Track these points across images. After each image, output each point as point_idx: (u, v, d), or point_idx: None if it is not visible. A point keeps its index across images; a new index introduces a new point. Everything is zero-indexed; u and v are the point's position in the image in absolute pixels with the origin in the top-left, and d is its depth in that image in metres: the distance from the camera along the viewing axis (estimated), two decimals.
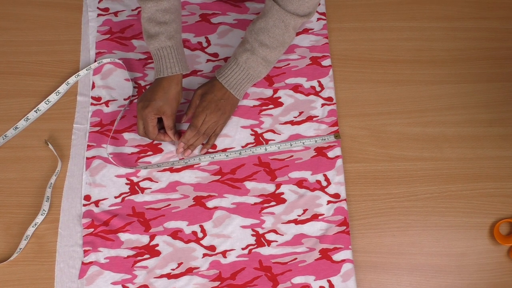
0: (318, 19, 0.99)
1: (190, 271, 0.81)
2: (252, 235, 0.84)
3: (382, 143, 0.91)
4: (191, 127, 0.85)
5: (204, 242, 0.83)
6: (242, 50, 0.86)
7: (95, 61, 0.95)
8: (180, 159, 0.88)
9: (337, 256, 0.82)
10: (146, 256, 0.82)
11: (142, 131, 0.85)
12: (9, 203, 0.85)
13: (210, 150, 0.89)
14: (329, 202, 0.86)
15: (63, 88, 0.92)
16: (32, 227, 0.83)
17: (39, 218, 0.83)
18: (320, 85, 0.94)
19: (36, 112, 0.90)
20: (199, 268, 0.82)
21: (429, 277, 0.83)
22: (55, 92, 0.92)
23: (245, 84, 0.87)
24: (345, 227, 0.84)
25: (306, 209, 0.85)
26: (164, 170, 0.87)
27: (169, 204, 0.86)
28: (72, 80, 0.92)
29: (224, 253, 0.83)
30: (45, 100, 0.91)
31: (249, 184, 0.87)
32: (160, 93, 0.83)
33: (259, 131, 0.91)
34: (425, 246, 0.84)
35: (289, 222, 0.85)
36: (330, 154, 0.89)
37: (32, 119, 0.90)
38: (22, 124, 0.90)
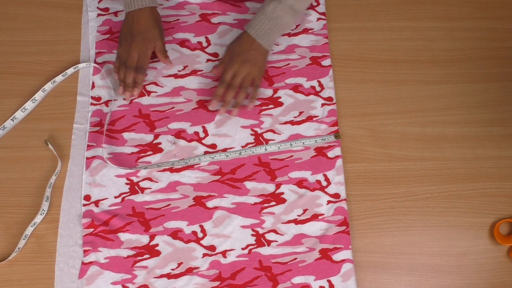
0: (318, 19, 0.99)
1: (190, 271, 0.81)
2: (252, 235, 0.84)
3: (382, 143, 0.91)
4: (220, 82, 0.87)
5: (204, 242, 0.83)
6: (269, 1, 0.87)
7: (95, 60, 0.95)
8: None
9: (337, 256, 0.82)
10: (146, 256, 0.82)
11: (133, 63, 0.87)
12: (9, 203, 0.85)
13: (210, 150, 0.89)
14: (329, 202, 0.86)
15: (47, 88, 0.92)
16: (31, 226, 0.83)
17: (38, 218, 0.83)
18: (320, 85, 0.94)
19: (23, 111, 0.90)
20: (199, 268, 0.82)
21: (429, 277, 0.83)
22: (37, 94, 0.92)
23: (273, 33, 0.88)
24: (345, 227, 0.84)
25: (306, 209, 0.85)
26: (164, 170, 0.88)
27: (169, 204, 0.86)
28: (48, 86, 0.92)
29: (224, 253, 0.83)
30: (31, 99, 0.91)
31: (249, 184, 0.87)
32: (151, 23, 0.87)
33: (259, 131, 0.91)
34: (425, 246, 0.84)
35: (289, 222, 0.85)
36: (330, 154, 0.89)
37: (19, 118, 0.90)
38: (10, 123, 0.90)
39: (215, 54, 0.97)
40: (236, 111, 0.88)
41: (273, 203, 0.86)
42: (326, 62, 0.96)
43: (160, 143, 0.89)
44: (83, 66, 0.94)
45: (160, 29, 0.90)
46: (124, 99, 0.91)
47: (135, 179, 0.87)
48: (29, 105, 0.91)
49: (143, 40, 0.88)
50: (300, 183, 0.87)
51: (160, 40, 0.90)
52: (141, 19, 0.88)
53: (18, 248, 0.81)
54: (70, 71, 0.93)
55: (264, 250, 0.83)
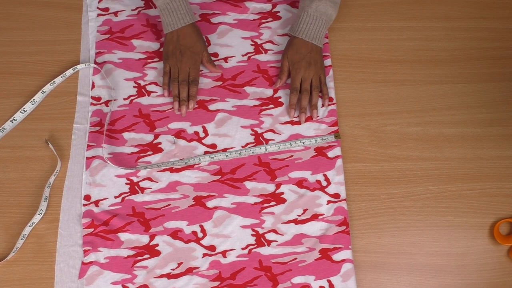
0: None
1: (190, 271, 0.81)
2: (252, 235, 0.84)
3: (382, 143, 0.91)
4: (292, 91, 0.91)
5: (204, 242, 0.83)
6: (309, 2, 0.89)
7: (95, 60, 0.95)
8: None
9: (337, 256, 0.82)
10: (146, 256, 0.82)
11: (186, 77, 0.91)
12: (9, 203, 0.85)
13: (210, 150, 0.89)
14: (329, 202, 0.86)
15: (47, 88, 0.92)
16: (29, 226, 0.83)
17: (36, 218, 0.83)
18: None
19: (22, 113, 0.90)
20: (199, 268, 0.82)
21: (429, 277, 0.83)
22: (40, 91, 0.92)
23: (322, 31, 0.91)
24: (345, 227, 0.84)
25: (306, 209, 0.85)
26: (164, 170, 0.88)
27: (169, 204, 0.86)
28: (47, 88, 0.92)
29: (224, 253, 0.83)
30: (31, 100, 0.91)
31: (249, 184, 0.87)
32: (196, 37, 0.91)
33: (259, 131, 0.91)
34: (425, 246, 0.84)
35: (289, 222, 0.85)
36: (330, 154, 0.89)
37: (18, 120, 0.90)
38: (9, 125, 0.90)
39: (215, 54, 0.97)
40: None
41: (273, 203, 0.86)
42: (326, 62, 0.96)
43: (160, 143, 0.89)
44: (82, 67, 0.94)
45: (204, 41, 0.93)
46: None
47: (135, 179, 0.87)
48: (29, 107, 0.91)
49: (192, 54, 0.91)
50: (300, 183, 0.87)
51: (206, 51, 0.92)
52: (186, 35, 0.90)
53: (16, 248, 0.81)
54: (69, 72, 0.93)
55: (264, 250, 0.83)
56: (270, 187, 0.87)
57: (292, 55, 0.91)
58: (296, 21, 0.91)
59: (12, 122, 0.90)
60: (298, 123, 0.91)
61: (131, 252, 0.82)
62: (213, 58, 0.96)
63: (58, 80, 0.93)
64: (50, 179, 0.85)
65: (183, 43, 0.90)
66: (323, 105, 0.92)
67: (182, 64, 0.90)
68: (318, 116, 0.91)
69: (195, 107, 0.92)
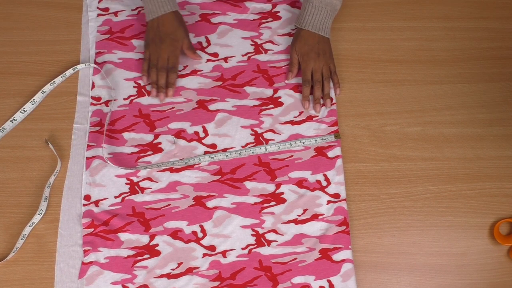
0: None
1: (190, 271, 0.81)
2: (252, 235, 0.84)
3: (382, 143, 0.91)
4: (304, 83, 0.92)
5: (204, 242, 0.83)
6: None
7: (95, 61, 0.95)
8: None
9: (337, 256, 0.82)
10: (146, 256, 0.82)
11: (165, 63, 0.90)
12: (9, 203, 0.85)
13: (210, 150, 0.89)
14: (329, 202, 0.86)
15: (48, 88, 0.92)
16: (29, 226, 0.83)
17: (36, 218, 0.83)
18: None
19: (22, 113, 0.90)
20: (199, 268, 0.82)
21: (429, 277, 0.83)
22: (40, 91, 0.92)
23: (328, 21, 0.91)
24: (345, 227, 0.84)
25: (306, 209, 0.85)
26: (164, 170, 0.88)
27: (169, 204, 0.86)
28: (47, 88, 0.92)
29: (224, 253, 0.83)
30: (31, 100, 0.91)
31: (249, 184, 0.87)
32: (176, 24, 0.90)
33: (259, 131, 0.91)
34: (425, 246, 0.84)
35: (289, 222, 0.85)
36: (330, 154, 0.89)
37: (18, 120, 0.90)
38: (9, 125, 0.90)
39: (215, 54, 0.97)
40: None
41: (273, 203, 0.86)
42: None
43: (160, 143, 0.89)
44: (82, 67, 0.94)
45: (185, 28, 0.93)
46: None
47: (135, 179, 0.87)
48: (29, 107, 0.91)
49: (172, 40, 0.91)
50: (300, 183, 0.87)
51: (187, 38, 0.92)
52: (166, 22, 0.90)
53: (16, 248, 0.81)
54: (69, 72, 0.93)
55: (264, 250, 0.83)
56: (270, 187, 0.87)
57: (301, 47, 0.92)
58: (302, 13, 0.92)
59: (12, 122, 0.90)
60: (298, 123, 0.91)
61: (131, 252, 0.82)
62: (213, 58, 0.96)
63: (58, 80, 0.93)
64: (50, 179, 0.85)
65: (162, 30, 0.90)
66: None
67: (162, 51, 0.91)
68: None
69: (195, 107, 0.92)
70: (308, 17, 0.91)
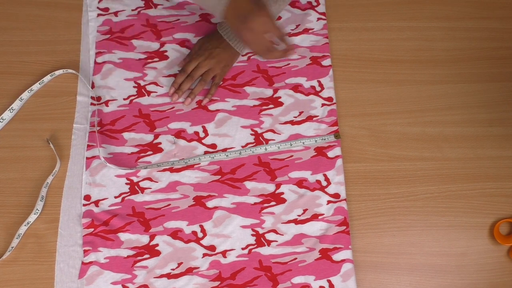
0: (318, 19, 0.99)
1: (190, 271, 0.82)
2: (252, 235, 0.84)
3: (382, 143, 0.91)
4: (181, 71, 0.90)
5: (204, 242, 0.83)
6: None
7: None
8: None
9: (337, 256, 0.82)
10: (146, 256, 0.82)
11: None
12: (9, 203, 0.85)
13: (210, 150, 0.89)
14: (329, 202, 0.86)
15: (36, 86, 0.92)
16: (25, 226, 0.82)
17: (32, 217, 0.83)
18: (320, 85, 0.94)
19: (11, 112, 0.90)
20: (199, 268, 0.82)
21: (429, 277, 0.83)
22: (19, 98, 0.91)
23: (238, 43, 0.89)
24: (345, 227, 0.84)
25: (306, 209, 0.85)
26: (164, 170, 0.88)
27: (169, 204, 0.86)
28: (35, 86, 0.92)
29: (224, 253, 0.83)
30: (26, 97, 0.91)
31: (249, 184, 0.87)
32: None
33: (259, 131, 0.91)
34: (425, 246, 0.84)
35: (289, 222, 0.85)
36: (330, 154, 0.89)
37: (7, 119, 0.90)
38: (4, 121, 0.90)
39: None
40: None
41: (273, 203, 0.86)
42: (326, 62, 0.96)
43: (160, 143, 0.89)
44: (60, 73, 0.93)
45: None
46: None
47: (135, 179, 0.87)
48: (17, 105, 0.90)
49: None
50: (300, 183, 0.87)
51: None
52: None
53: (12, 247, 0.81)
54: (46, 78, 0.92)
55: (264, 250, 0.83)
56: (270, 187, 0.87)
57: (204, 42, 0.91)
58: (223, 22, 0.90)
59: (1, 122, 0.89)
60: (298, 123, 0.91)
61: (131, 252, 0.82)
62: None
63: (36, 87, 0.92)
64: (48, 179, 0.85)
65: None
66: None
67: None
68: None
69: (195, 107, 0.92)
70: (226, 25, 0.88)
